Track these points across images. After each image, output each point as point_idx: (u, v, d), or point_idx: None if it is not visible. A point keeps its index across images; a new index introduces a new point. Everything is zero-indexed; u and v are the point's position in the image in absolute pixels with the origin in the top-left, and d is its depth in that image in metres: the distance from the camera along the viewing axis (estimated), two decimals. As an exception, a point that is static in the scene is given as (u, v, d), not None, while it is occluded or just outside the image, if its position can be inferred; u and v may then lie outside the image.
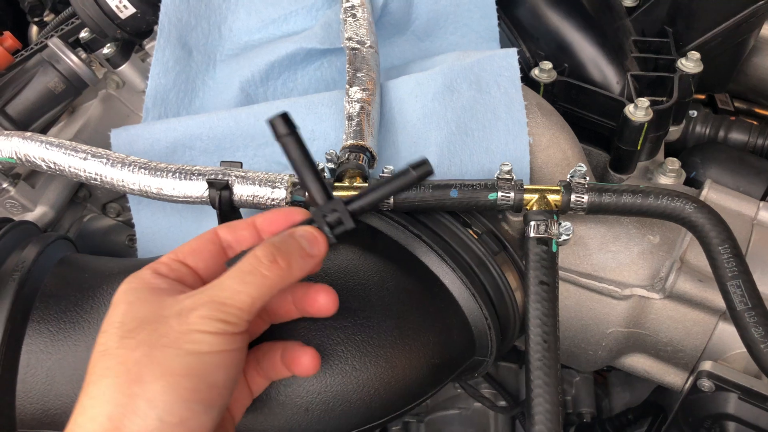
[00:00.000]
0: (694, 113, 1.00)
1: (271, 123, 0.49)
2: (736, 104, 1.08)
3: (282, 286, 0.46)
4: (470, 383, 1.01)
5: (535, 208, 0.60)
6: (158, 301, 0.45)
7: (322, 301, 0.49)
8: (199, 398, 0.42)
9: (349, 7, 0.76)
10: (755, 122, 1.01)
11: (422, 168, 0.50)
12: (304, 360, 0.49)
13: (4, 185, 0.76)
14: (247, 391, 0.51)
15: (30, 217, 0.78)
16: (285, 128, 0.48)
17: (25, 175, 0.80)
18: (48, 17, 1.17)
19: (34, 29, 1.26)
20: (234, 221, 0.52)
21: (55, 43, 0.77)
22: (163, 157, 0.71)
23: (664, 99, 0.81)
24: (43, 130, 0.79)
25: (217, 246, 0.50)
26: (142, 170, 0.63)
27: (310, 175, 0.49)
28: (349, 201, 0.50)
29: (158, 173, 0.62)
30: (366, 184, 0.60)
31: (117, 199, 0.88)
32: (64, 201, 0.82)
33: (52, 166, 0.65)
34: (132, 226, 0.75)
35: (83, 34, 0.81)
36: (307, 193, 0.49)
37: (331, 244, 0.49)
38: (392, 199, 0.60)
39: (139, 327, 0.43)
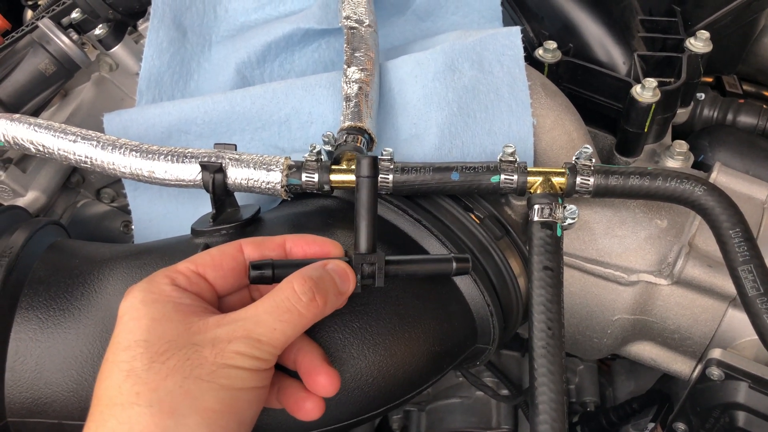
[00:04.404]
0: (701, 96, 0.97)
1: (358, 161, 0.49)
2: (745, 87, 1.05)
3: (313, 323, 0.46)
4: (472, 372, 0.99)
5: (539, 191, 0.58)
6: (185, 321, 0.43)
7: (323, 382, 0.47)
8: None
9: (347, -14, 0.74)
10: (765, 105, 0.99)
11: (462, 264, 0.51)
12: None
13: (-5, 170, 0.75)
14: None
15: (21, 202, 0.76)
16: (369, 171, 0.49)
17: (17, 159, 0.79)
18: (42, 0, 1.15)
19: (29, 13, 1.24)
20: (262, 237, 0.51)
21: (45, 24, 0.75)
22: (158, 142, 0.69)
23: (672, 80, 0.79)
24: (35, 113, 0.77)
25: (240, 263, 0.49)
26: (134, 153, 0.61)
27: (368, 221, 0.50)
28: (389, 261, 0.50)
29: (150, 156, 0.60)
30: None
31: (111, 184, 0.87)
32: (57, 186, 0.80)
33: (41, 148, 0.63)
34: (127, 212, 0.73)
35: (74, 14, 0.78)
36: (356, 238, 0.50)
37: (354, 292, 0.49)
38: (391, 183, 0.58)
39: (168, 351, 0.42)
